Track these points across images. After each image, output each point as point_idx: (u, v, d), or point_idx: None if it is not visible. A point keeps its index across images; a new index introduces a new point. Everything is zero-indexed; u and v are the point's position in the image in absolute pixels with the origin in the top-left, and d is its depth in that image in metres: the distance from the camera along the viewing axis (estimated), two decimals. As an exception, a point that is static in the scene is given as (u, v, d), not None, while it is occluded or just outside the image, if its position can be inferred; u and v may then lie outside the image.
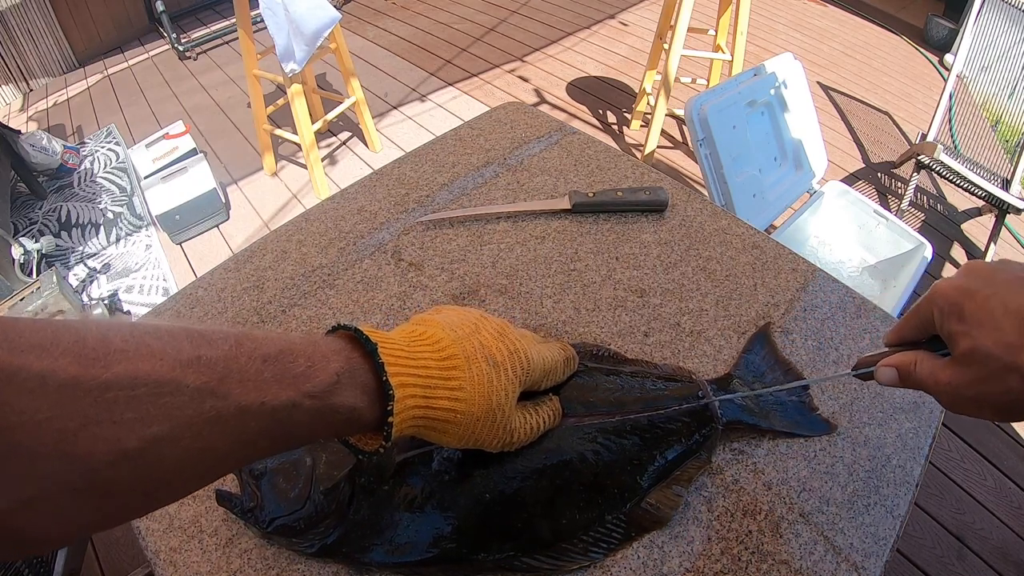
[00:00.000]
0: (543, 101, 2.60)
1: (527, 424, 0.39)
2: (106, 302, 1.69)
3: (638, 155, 2.21)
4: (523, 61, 2.87)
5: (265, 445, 0.27)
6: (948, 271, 1.91)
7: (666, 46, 1.93)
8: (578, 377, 0.48)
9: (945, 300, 0.32)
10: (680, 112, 2.15)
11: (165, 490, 0.24)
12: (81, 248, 2.01)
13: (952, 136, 2.06)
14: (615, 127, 2.45)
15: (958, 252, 1.99)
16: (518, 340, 0.38)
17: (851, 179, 2.22)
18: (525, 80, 2.74)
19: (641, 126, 2.40)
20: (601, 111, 2.53)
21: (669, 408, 0.46)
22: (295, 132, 1.97)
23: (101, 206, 2.17)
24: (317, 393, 0.28)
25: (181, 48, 3.00)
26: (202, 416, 0.23)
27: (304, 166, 2.23)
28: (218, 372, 0.24)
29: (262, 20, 1.71)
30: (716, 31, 2.10)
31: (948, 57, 2.86)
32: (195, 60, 3.02)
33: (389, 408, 0.31)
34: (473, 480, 0.40)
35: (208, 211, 2.01)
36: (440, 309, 0.40)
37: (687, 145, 2.32)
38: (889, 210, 1.85)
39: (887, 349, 0.37)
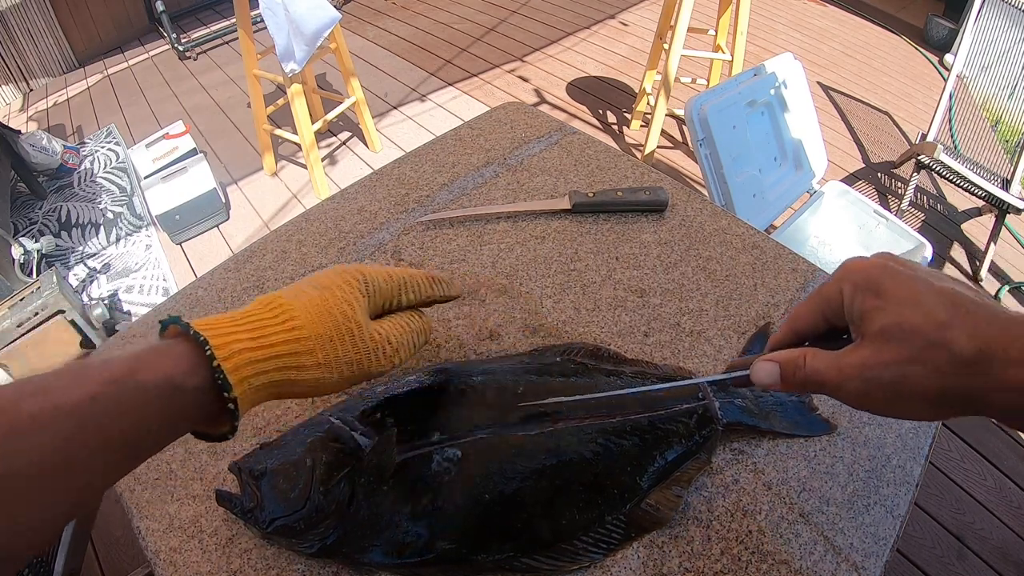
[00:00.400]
0: (543, 101, 2.60)
1: (395, 331, 0.37)
2: (106, 302, 1.69)
3: (638, 155, 2.21)
4: (523, 61, 2.87)
5: (84, 453, 0.25)
6: (948, 271, 1.91)
7: (666, 46, 1.93)
8: (578, 377, 0.48)
9: (860, 275, 0.29)
10: (680, 112, 2.15)
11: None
12: (81, 248, 2.00)
13: (952, 136, 2.06)
14: (615, 127, 2.45)
15: (958, 252, 1.99)
16: (352, 266, 0.37)
17: (851, 179, 2.22)
18: (525, 80, 2.74)
19: (641, 126, 2.40)
20: (601, 111, 2.53)
21: (669, 409, 0.46)
22: (295, 132, 1.97)
23: (101, 206, 2.16)
24: (116, 378, 0.26)
25: (181, 48, 3.00)
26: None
27: (304, 166, 2.23)
28: (24, 391, 0.24)
29: (262, 20, 1.71)
30: (716, 31, 2.10)
31: (948, 57, 2.86)
32: (195, 60, 3.02)
33: (210, 355, 0.28)
34: (473, 480, 0.40)
35: (208, 211, 2.01)
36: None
37: (687, 145, 2.32)
38: (889, 210, 1.85)
39: (768, 351, 0.33)
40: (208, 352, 0.29)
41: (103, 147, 2.45)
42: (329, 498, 0.39)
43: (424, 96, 2.64)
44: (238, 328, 0.31)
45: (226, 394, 0.29)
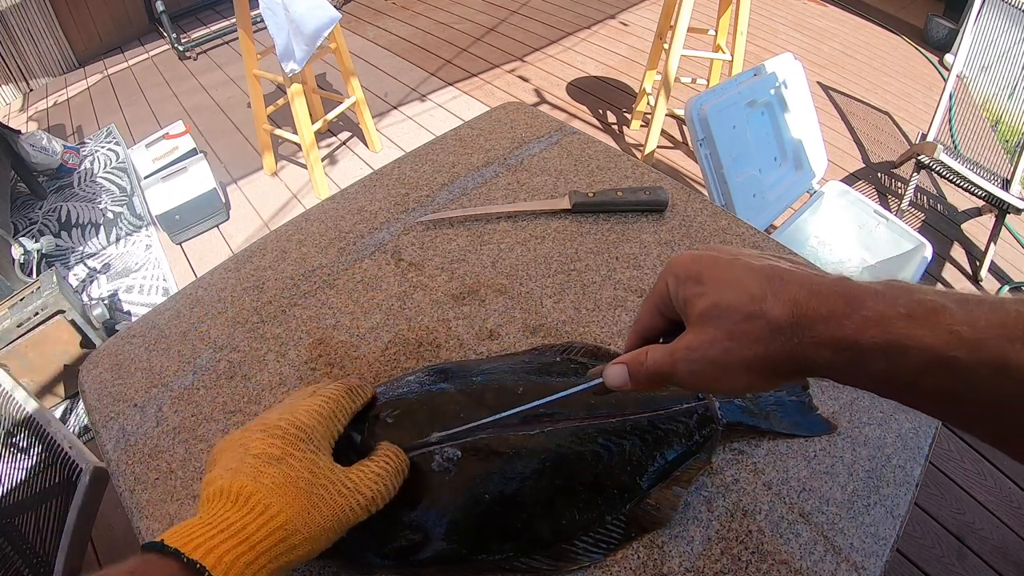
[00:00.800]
0: (543, 101, 2.60)
1: (370, 475, 0.35)
2: (106, 302, 1.69)
3: (638, 155, 2.21)
4: (523, 61, 2.87)
5: None
6: (948, 271, 1.91)
7: (666, 46, 1.93)
8: (572, 375, 0.48)
9: (681, 267, 0.30)
10: (680, 112, 2.15)
11: None
12: (81, 248, 2.01)
13: (952, 136, 2.06)
14: (615, 127, 2.45)
15: (958, 252, 1.99)
16: (282, 417, 0.35)
17: (851, 179, 2.22)
18: (525, 80, 2.74)
19: (641, 126, 2.40)
20: (601, 111, 2.53)
21: (669, 409, 0.46)
22: (295, 132, 1.97)
23: (101, 206, 2.17)
24: None
25: (181, 48, 3.00)
26: None
27: (304, 166, 2.23)
28: None
29: (262, 20, 1.71)
30: (716, 31, 2.10)
31: (948, 57, 2.86)
32: (195, 60, 3.02)
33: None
34: (473, 480, 0.40)
35: (208, 211, 2.01)
36: (216, 450, 0.36)
37: (687, 145, 2.32)
38: (889, 210, 1.85)
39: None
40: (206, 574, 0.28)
41: (103, 147, 2.45)
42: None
43: (424, 96, 2.64)
44: (220, 534, 0.30)
45: None
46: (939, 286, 1.65)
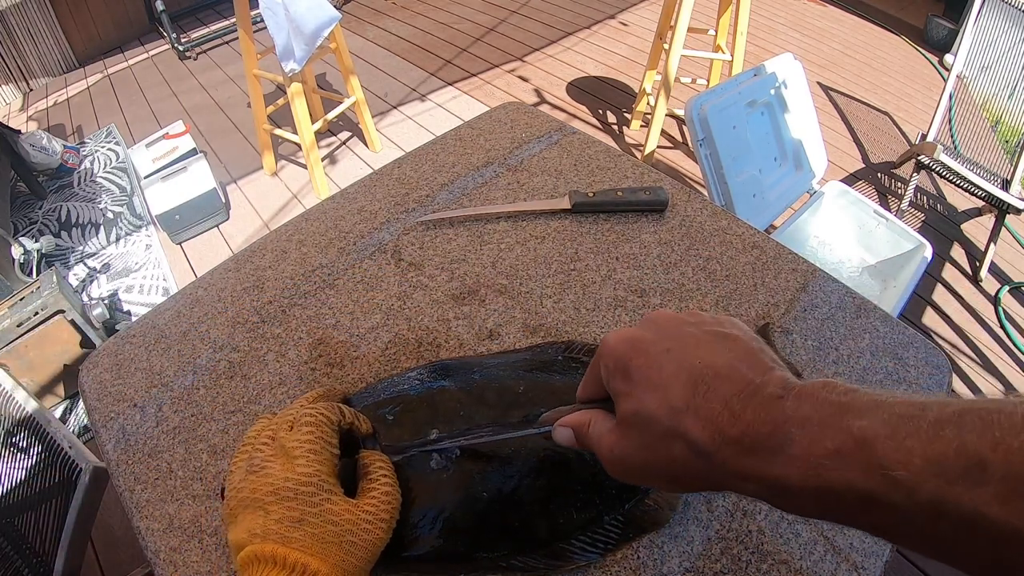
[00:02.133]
0: (543, 101, 2.60)
1: (382, 497, 0.36)
2: (106, 302, 1.69)
3: (638, 155, 2.21)
4: (523, 61, 2.87)
5: None
6: (948, 271, 1.91)
7: (666, 46, 1.93)
8: (573, 374, 0.47)
9: (611, 356, 0.29)
10: (680, 112, 2.15)
11: None
12: (81, 248, 2.01)
13: (952, 136, 2.06)
14: (615, 127, 2.45)
15: (958, 252, 1.99)
16: (288, 478, 0.35)
17: (851, 179, 2.22)
18: (525, 80, 2.74)
19: (641, 126, 2.40)
20: (601, 111, 2.53)
21: None
22: (295, 132, 1.97)
23: (101, 206, 2.17)
24: None
25: (181, 48, 3.00)
26: None
27: (304, 166, 2.23)
28: None
29: (262, 20, 1.71)
30: (716, 31, 2.10)
31: (948, 57, 2.86)
32: (195, 60, 3.02)
33: None
34: (471, 478, 0.40)
35: (208, 211, 2.01)
36: (232, 503, 0.36)
37: (687, 145, 2.32)
38: (889, 210, 1.85)
39: (576, 405, 0.34)
40: None
41: (103, 147, 2.45)
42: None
43: (424, 96, 2.64)
44: None
45: None
46: (939, 287, 1.62)
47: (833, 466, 0.21)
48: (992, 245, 1.83)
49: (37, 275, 1.77)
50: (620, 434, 0.28)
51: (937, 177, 2.00)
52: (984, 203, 1.85)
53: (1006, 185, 1.77)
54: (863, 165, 2.29)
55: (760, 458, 0.23)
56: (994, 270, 1.90)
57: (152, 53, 3.14)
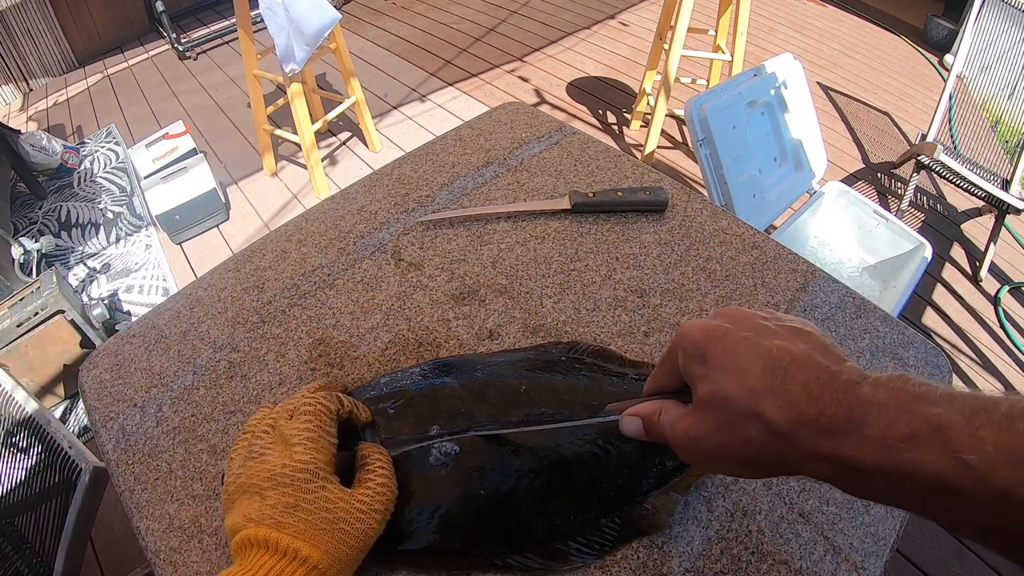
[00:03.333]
0: (543, 101, 2.60)
1: (377, 488, 0.37)
2: (106, 302, 1.69)
3: (638, 155, 2.21)
4: (523, 61, 2.87)
5: None
6: (948, 271, 1.91)
7: (666, 46, 1.93)
8: (581, 378, 0.47)
9: (689, 342, 0.29)
10: (680, 112, 2.15)
11: None
12: (81, 248, 2.00)
13: (952, 136, 2.06)
14: (615, 127, 2.45)
15: (958, 252, 1.99)
16: (284, 464, 0.36)
17: (851, 179, 2.22)
18: (525, 80, 2.74)
19: (641, 126, 2.40)
20: (601, 111, 2.53)
21: None
22: (295, 132, 1.97)
23: (101, 206, 2.17)
24: None
25: (181, 48, 3.00)
26: None
27: (304, 166, 2.23)
28: None
29: (262, 20, 1.71)
30: (716, 31, 2.10)
31: (948, 57, 2.86)
32: (195, 60, 3.02)
33: None
34: (469, 475, 0.40)
35: (208, 211, 2.01)
36: (231, 488, 0.37)
37: (687, 145, 2.32)
38: (889, 210, 1.85)
39: (642, 397, 0.34)
40: None
41: (103, 147, 2.45)
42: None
43: (424, 96, 2.64)
44: None
45: None
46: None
47: (907, 448, 0.22)
48: (992, 245, 1.83)
49: (37, 275, 1.77)
50: (696, 417, 0.28)
51: (937, 177, 2.00)
52: (984, 203, 1.85)
53: (1006, 185, 1.77)
54: (863, 165, 2.29)
55: (835, 439, 0.24)
56: (994, 270, 1.90)
57: (152, 53, 3.14)
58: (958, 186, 1.81)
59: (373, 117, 2.29)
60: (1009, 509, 0.20)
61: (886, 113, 2.58)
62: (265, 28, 1.74)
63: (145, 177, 2.04)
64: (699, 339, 0.29)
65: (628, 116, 2.47)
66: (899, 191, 2.16)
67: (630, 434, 0.33)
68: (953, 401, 0.22)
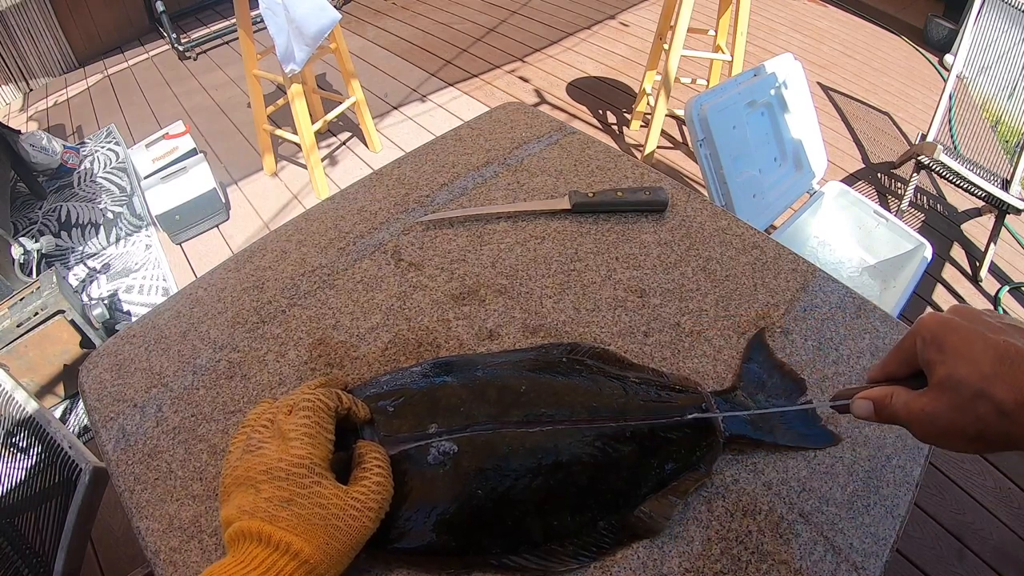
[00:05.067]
0: (543, 101, 2.60)
1: (372, 486, 0.37)
2: (106, 302, 1.69)
3: (638, 155, 2.21)
4: (523, 61, 2.87)
5: None
6: (948, 271, 1.91)
7: (666, 46, 1.93)
8: (582, 379, 0.47)
9: (928, 331, 0.33)
10: (680, 112, 2.15)
11: None
12: (81, 248, 2.00)
13: (952, 136, 2.06)
14: (615, 127, 2.45)
15: (958, 252, 1.98)
16: (281, 458, 0.36)
17: (851, 179, 2.22)
18: (525, 80, 2.73)
19: (641, 126, 2.40)
20: (601, 111, 2.53)
21: (671, 418, 0.45)
22: (295, 132, 1.97)
23: (101, 206, 2.16)
24: None
25: (181, 48, 3.00)
26: None
27: (304, 166, 2.23)
28: None
29: (262, 20, 1.71)
30: (716, 31, 2.10)
31: (948, 57, 2.86)
32: (195, 60, 3.02)
33: None
34: (467, 475, 0.40)
35: (208, 211, 2.01)
36: (228, 481, 0.37)
37: (687, 145, 2.32)
38: (889, 210, 1.85)
39: (867, 384, 0.38)
40: None
41: (103, 147, 2.45)
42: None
43: (424, 96, 2.64)
44: (254, 572, 0.32)
45: None
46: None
47: None
48: (992, 245, 1.83)
49: (37, 275, 1.77)
50: (932, 397, 0.32)
51: (937, 177, 2.00)
52: (984, 203, 1.85)
53: (1006, 185, 1.77)
54: (863, 165, 2.29)
55: None
56: (994, 270, 1.90)
57: (152, 53, 3.14)
58: (958, 186, 1.81)
59: (373, 117, 2.29)
60: None
61: (886, 113, 2.58)
62: (265, 28, 1.74)
63: (145, 177, 2.04)
64: (937, 329, 0.33)
65: (628, 116, 2.47)
66: (899, 191, 2.16)
67: (860, 415, 0.36)
68: None
